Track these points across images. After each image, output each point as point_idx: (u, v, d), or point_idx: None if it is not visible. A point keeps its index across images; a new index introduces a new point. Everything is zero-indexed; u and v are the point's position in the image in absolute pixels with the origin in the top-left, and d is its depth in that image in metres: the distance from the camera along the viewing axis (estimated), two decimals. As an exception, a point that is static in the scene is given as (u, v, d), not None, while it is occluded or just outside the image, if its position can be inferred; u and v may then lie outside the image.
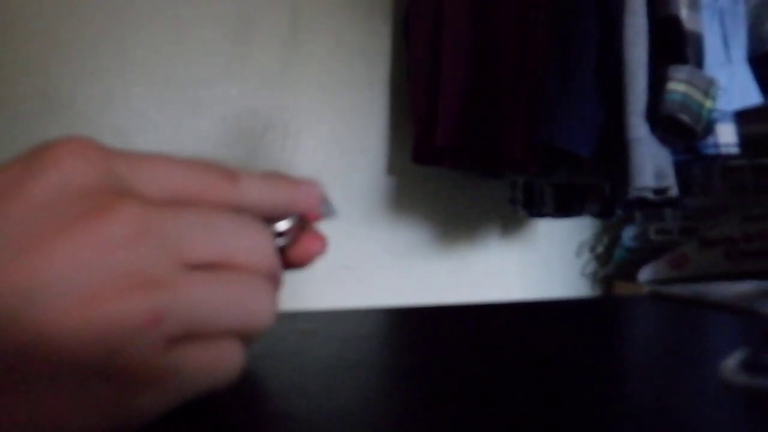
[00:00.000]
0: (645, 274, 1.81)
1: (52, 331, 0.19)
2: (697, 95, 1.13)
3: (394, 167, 1.82)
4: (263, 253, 0.26)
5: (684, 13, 1.15)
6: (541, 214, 1.69)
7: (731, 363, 0.31)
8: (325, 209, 0.31)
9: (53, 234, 0.20)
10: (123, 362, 0.20)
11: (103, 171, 0.22)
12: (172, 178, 0.25)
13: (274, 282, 0.27)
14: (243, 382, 0.32)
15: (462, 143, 1.49)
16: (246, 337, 0.25)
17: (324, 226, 0.32)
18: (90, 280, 0.20)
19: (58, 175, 0.21)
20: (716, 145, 1.20)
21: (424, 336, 0.43)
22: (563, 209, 1.62)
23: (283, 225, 0.29)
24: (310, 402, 0.28)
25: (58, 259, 0.20)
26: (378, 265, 1.79)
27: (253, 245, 0.25)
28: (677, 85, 1.13)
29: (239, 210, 0.26)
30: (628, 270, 1.94)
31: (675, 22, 1.15)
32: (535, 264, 2.01)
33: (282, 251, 0.30)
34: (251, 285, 0.25)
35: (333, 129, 1.75)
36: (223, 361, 0.24)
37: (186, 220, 0.23)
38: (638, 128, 1.17)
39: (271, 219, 0.29)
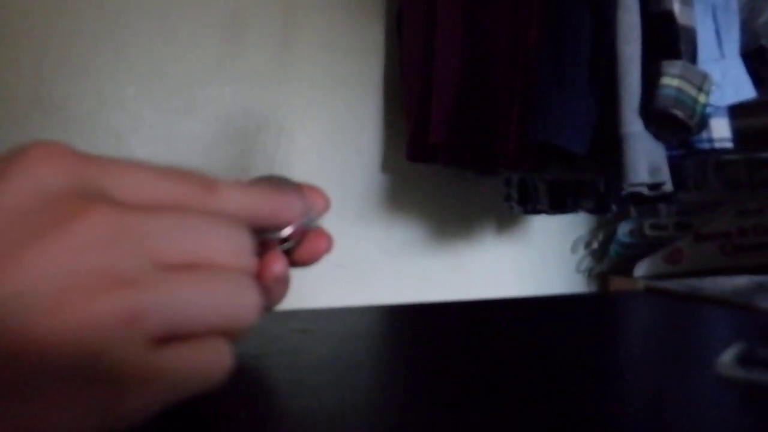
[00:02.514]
0: (640, 269, 1.82)
1: (30, 337, 0.19)
2: (691, 90, 1.13)
3: (388, 165, 1.82)
4: (240, 252, 0.26)
5: (677, 8, 1.15)
6: (536, 211, 1.68)
7: (727, 357, 0.31)
8: (306, 221, 0.30)
9: (26, 241, 0.20)
10: (105, 364, 0.20)
11: (75, 176, 0.22)
12: (147, 185, 0.25)
13: (255, 279, 0.26)
14: (240, 381, 0.31)
15: (456, 141, 1.48)
16: (232, 335, 0.25)
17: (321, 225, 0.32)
18: (64, 284, 0.20)
19: (30, 181, 0.21)
20: (710, 140, 1.20)
21: (420, 333, 0.43)
22: (558, 206, 1.62)
23: (287, 230, 0.30)
24: (306, 400, 0.28)
25: (32, 266, 0.19)
26: (373, 263, 1.79)
27: (230, 244, 0.25)
28: (671, 80, 1.13)
29: None
30: (623, 265, 1.94)
31: (668, 17, 1.15)
32: (530, 260, 2.01)
33: (288, 252, 0.30)
34: (232, 281, 0.24)
35: (327, 128, 1.75)
36: (211, 360, 0.24)
37: (160, 221, 0.23)
38: (632, 124, 1.17)
39: (258, 229, 0.29)
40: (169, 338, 0.22)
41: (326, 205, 0.33)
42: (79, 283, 0.20)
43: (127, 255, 0.21)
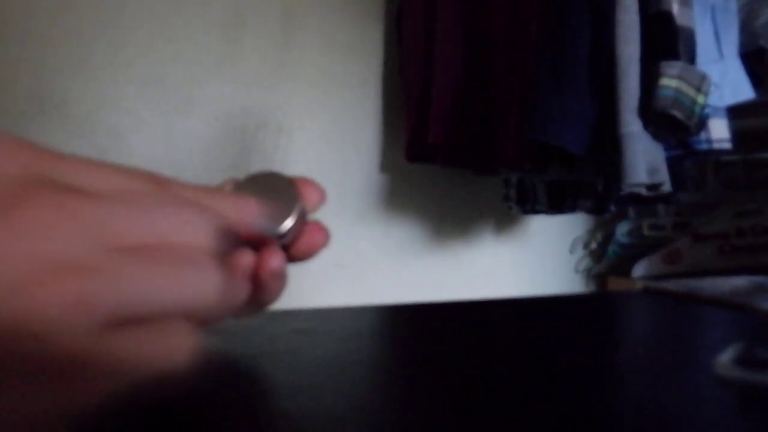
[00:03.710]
0: (639, 269, 1.82)
1: None
2: (690, 91, 1.13)
3: (387, 165, 1.82)
4: (199, 230, 0.25)
5: (676, 8, 1.15)
6: (535, 211, 1.69)
7: (725, 358, 0.31)
8: (263, 226, 0.30)
9: None
10: (54, 351, 0.20)
11: (26, 168, 0.22)
12: (99, 178, 0.24)
13: (214, 257, 0.26)
14: (238, 381, 0.31)
15: (455, 141, 1.48)
16: (196, 317, 0.24)
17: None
18: (7, 270, 0.19)
19: None
20: (709, 141, 1.20)
21: (419, 333, 0.43)
22: (556, 206, 1.62)
23: (285, 226, 0.30)
24: (305, 400, 0.28)
25: None
26: (371, 263, 1.79)
27: (187, 223, 0.25)
28: (669, 81, 1.13)
29: None
30: (621, 266, 1.94)
31: (667, 17, 1.15)
32: (528, 261, 2.01)
33: (286, 248, 0.30)
34: (189, 262, 0.24)
35: (326, 127, 1.75)
36: (169, 343, 0.23)
37: (111, 202, 0.22)
38: (631, 124, 1.17)
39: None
40: (123, 322, 0.21)
41: (322, 198, 0.33)
42: (25, 270, 0.19)
43: (75, 239, 0.21)
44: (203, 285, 0.24)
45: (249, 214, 0.29)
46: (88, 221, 0.21)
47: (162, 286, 0.22)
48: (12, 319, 0.19)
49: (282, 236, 0.30)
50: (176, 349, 0.23)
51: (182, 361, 0.24)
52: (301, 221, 0.31)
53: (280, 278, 0.30)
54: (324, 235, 0.32)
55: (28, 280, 0.19)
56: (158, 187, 0.26)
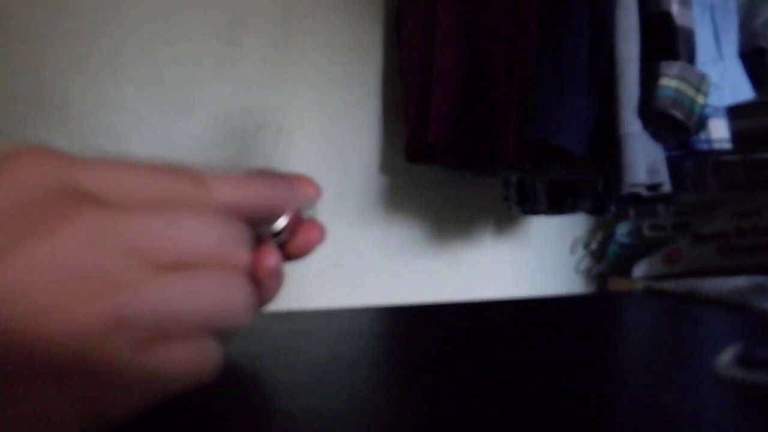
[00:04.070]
0: (639, 270, 1.82)
1: (18, 340, 0.19)
2: (689, 91, 1.13)
3: (386, 165, 1.82)
4: (231, 247, 0.25)
5: (675, 8, 1.15)
6: (535, 211, 1.69)
7: (725, 358, 0.31)
8: (304, 207, 0.30)
9: (11, 243, 0.20)
10: (92, 366, 0.20)
11: (60, 180, 0.22)
12: (135, 184, 0.24)
13: (247, 276, 0.26)
14: (238, 381, 0.31)
15: (454, 141, 1.48)
16: (222, 334, 0.25)
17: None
18: (51, 287, 0.19)
19: (14, 185, 0.21)
20: (708, 141, 1.20)
21: (419, 334, 0.43)
22: (556, 206, 1.62)
23: (280, 224, 0.30)
24: (305, 400, 0.28)
25: (18, 269, 0.19)
26: (371, 263, 1.79)
27: (220, 240, 0.25)
28: (669, 81, 1.13)
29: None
30: (621, 266, 1.94)
31: (666, 17, 1.15)
32: (528, 261, 2.01)
33: (282, 246, 0.30)
34: (221, 281, 0.24)
35: (325, 128, 1.75)
36: (198, 359, 0.24)
37: (148, 220, 0.23)
38: (630, 124, 1.17)
39: (251, 221, 0.29)
40: (159, 339, 0.22)
41: (317, 195, 0.33)
42: (67, 286, 0.20)
43: (115, 256, 0.21)
44: (232, 305, 0.25)
45: (285, 198, 0.29)
46: (125, 239, 0.21)
47: (195, 306, 0.23)
48: (52, 334, 0.19)
49: (277, 234, 0.30)
50: (201, 364, 0.24)
51: (205, 376, 0.24)
52: (296, 219, 0.31)
53: (277, 277, 0.30)
54: (320, 232, 0.32)
55: (70, 296, 0.20)
56: (199, 186, 0.26)
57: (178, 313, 0.22)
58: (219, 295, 0.24)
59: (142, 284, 0.21)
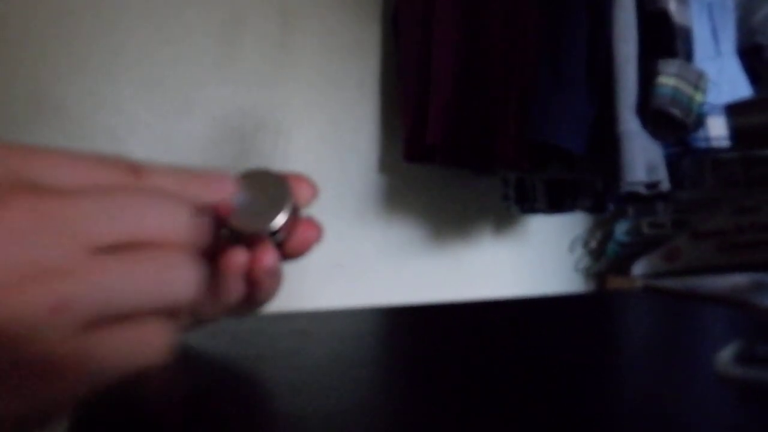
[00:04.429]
0: (638, 268, 1.82)
1: None
2: (687, 89, 1.13)
3: (385, 165, 1.82)
4: (175, 225, 0.25)
5: (673, 6, 1.15)
6: (534, 210, 1.69)
7: (725, 355, 0.31)
8: (237, 203, 0.30)
9: None
10: (33, 353, 0.20)
11: None
12: (72, 172, 0.24)
13: (192, 253, 0.26)
14: (239, 382, 0.31)
15: (453, 140, 1.48)
16: (171, 313, 0.24)
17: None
18: None
19: None
20: (707, 138, 1.20)
21: (419, 334, 0.43)
22: (555, 205, 1.62)
23: (277, 223, 0.30)
24: (305, 401, 0.28)
25: None
26: (371, 263, 1.79)
27: (163, 218, 0.24)
28: (667, 79, 1.13)
29: None
30: (621, 264, 1.94)
31: (664, 15, 1.15)
32: (528, 260, 2.01)
33: (280, 245, 0.30)
34: (165, 260, 0.24)
35: (324, 128, 1.75)
36: (146, 340, 0.23)
37: (86, 202, 0.22)
38: (629, 122, 1.17)
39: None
40: (102, 322, 0.22)
41: (314, 194, 0.33)
42: (3, 272, 0.20)
43: (52, 242, 0.21)
44: (177, 284, 0.24)
45: (223, 191, 0.29)
46: (63, 223, 0.21)
47: (137, 287, 0.23)
48: None
49: (274, 233, 0.30)
50: (150, 345, 0.24)
51: (156, 357, 0.24)
52: (293, 217, 0.31)
53: (275, 276, 0.30)
54: (317, 231, 0.32)
55: (6, 286, 0.19)
56: (135, 175, 0.26)
57: (119, 296, 0.22)
58: (160, 275, 0.23)
59: (80, 268, 0.21)
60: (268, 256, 0.29)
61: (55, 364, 0.21)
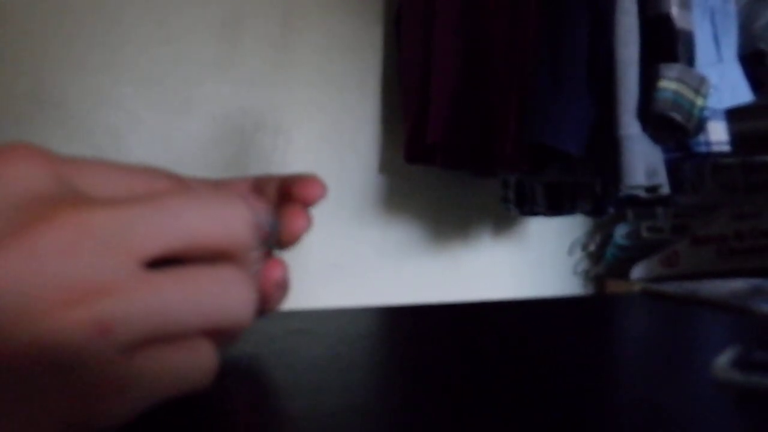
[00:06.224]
0: (637, 272, 1.82)
1: None
2: (689, 93, 1.13)
3: (385, 166, 1.82)
4: (233, 230, 0.23)
5: (675, 11, 1.15)
6: (533, 213, 1.69)
7: (723, 361, 0.31)
8: (270, 226, 0.29)
9: None
10: (77, 375, 0.19)
11: (47, 178, 0.21)
12: (120, 184, 0.24)
13: (250, 263, 0.25)
14: (237, 382, 0.31)
15: (453, 142, 1.49)
16: (221, 335, 0.23)
17: (317, 225, 0.32)
18: (29, 295, 0.19)
19: (1, 184, 0.20)
20: (707, 143, 1.20)
21: (417, 335, 0.43)
22: (555, 207, 1.62)
23: (274, 222, 0.29)
24: (304, 400, 0.28)
25: None
26: (370, 264, 1.79)
27: (218, 223, 0.23)
28: (668, 84, 1.13)
29: None
30: (620, 268, 1.94)
31: (666, 20, 1.16)
32: (527, 262, 2.01)
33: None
34: (219, 278, 0.22)
35: (324, 128, 1.75)
36: (193, 363, 0.22)
37: (133, 211, 0.21)
38: (629, 126, 1.17)
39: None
40: (148, 343, 0.21)
41: (322, 193, 0.32)
42: (46, 293, 0.19)
43: (97, 259, 0.20)
44: (231, 306, 0.23)
45: (261, 213, 0.27)
46: (109, 236, 0.20)
47: (189, 305, 0.21)
48: (35, 346, 0.19)
49: (272, 231, 0.30)
50: (196, 369, 0.22)
51: (201, 381, 0.23)
52: (284, 210, 0.30)
53: (284, 288, 0.30)
54: (305, 219, 0.31)
55: (52, 305, 0.19)
56: (179, 185, 0.25)
57: (167, 317, 0.21)
58: (216, 296, 0.22)
59: (128, 287, 0.20)
60: (279, 269, 0.29)
61: (97, 387, 0.20)
